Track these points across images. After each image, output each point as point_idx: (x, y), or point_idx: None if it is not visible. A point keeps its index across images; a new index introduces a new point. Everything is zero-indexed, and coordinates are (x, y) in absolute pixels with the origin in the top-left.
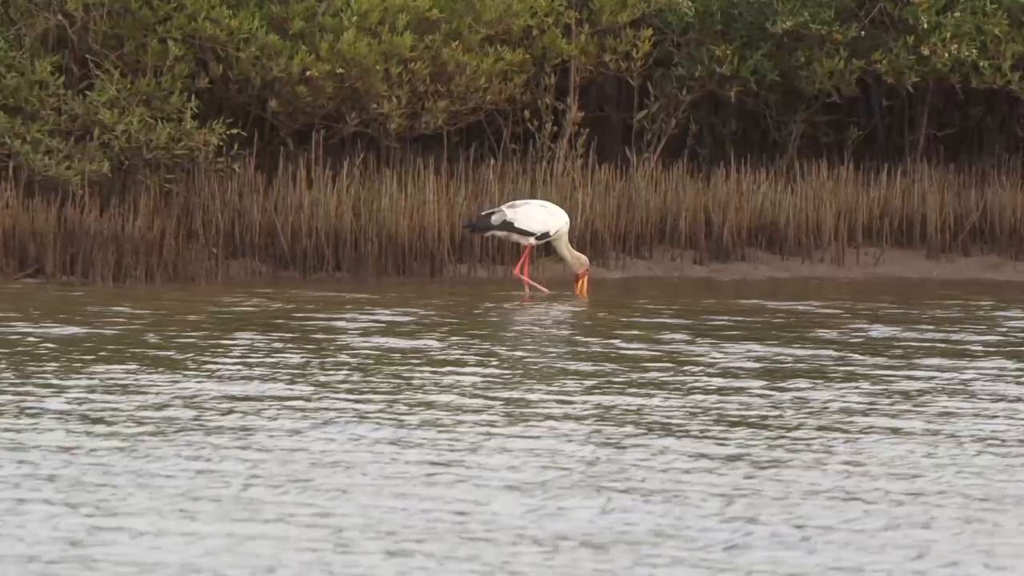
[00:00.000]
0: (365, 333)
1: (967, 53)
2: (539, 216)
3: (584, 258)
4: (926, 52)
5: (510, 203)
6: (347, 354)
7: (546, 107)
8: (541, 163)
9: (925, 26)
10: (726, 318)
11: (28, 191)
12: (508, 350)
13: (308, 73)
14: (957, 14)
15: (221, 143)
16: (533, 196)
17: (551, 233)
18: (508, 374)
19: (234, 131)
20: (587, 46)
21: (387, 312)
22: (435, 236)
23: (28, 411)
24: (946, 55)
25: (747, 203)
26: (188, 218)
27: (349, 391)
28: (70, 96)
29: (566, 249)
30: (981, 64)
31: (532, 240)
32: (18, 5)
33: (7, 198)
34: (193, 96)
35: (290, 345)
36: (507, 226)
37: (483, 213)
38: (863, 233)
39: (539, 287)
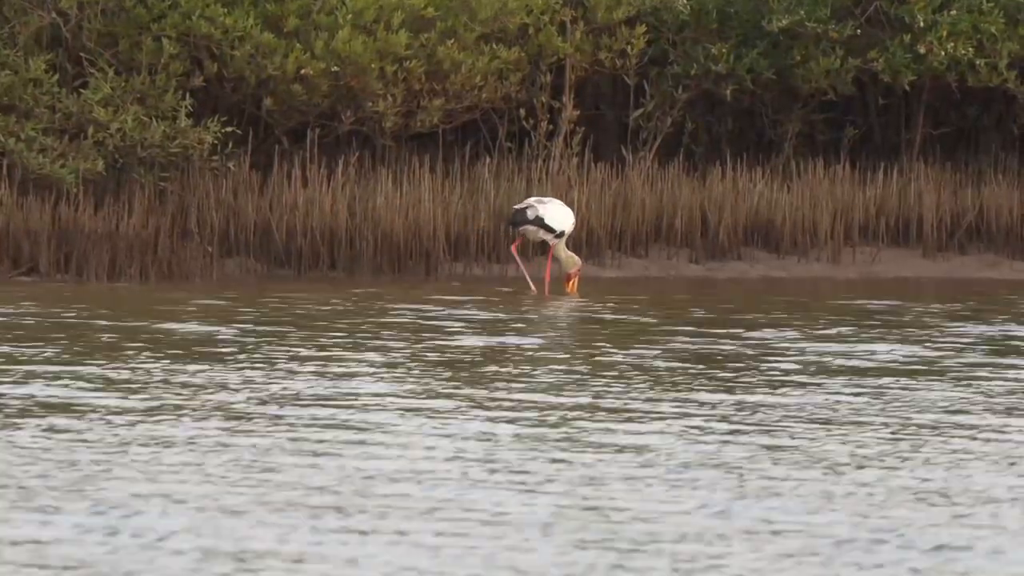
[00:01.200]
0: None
1: (963, 51)
2: (561, 215)
3: (577, 259)
4: (922, 51)
5: (537, 199)
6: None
7: (542, 105)
8: (537, 162)
9: (921, 24)
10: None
11: (22, 189)
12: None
13: (303, 71)
14: (953, 12)
15: (216, 141)
16: (529, 195)
17: (565, 232)
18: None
19: (229, 129)
20: (582, 44)
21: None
22: (430, 234)
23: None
24: (942, 53)
25: (743, 202)
26: (183, 217)
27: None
28: (64, 94)
29: (563, 249)
30: (977, 63)
31: (552, 238)
32: (12, 3)
33: (1, 196)
34: (188, 94)
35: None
36: (539, 221)
37: (516, 207)
38: (859, 232)
39: (530, 285)
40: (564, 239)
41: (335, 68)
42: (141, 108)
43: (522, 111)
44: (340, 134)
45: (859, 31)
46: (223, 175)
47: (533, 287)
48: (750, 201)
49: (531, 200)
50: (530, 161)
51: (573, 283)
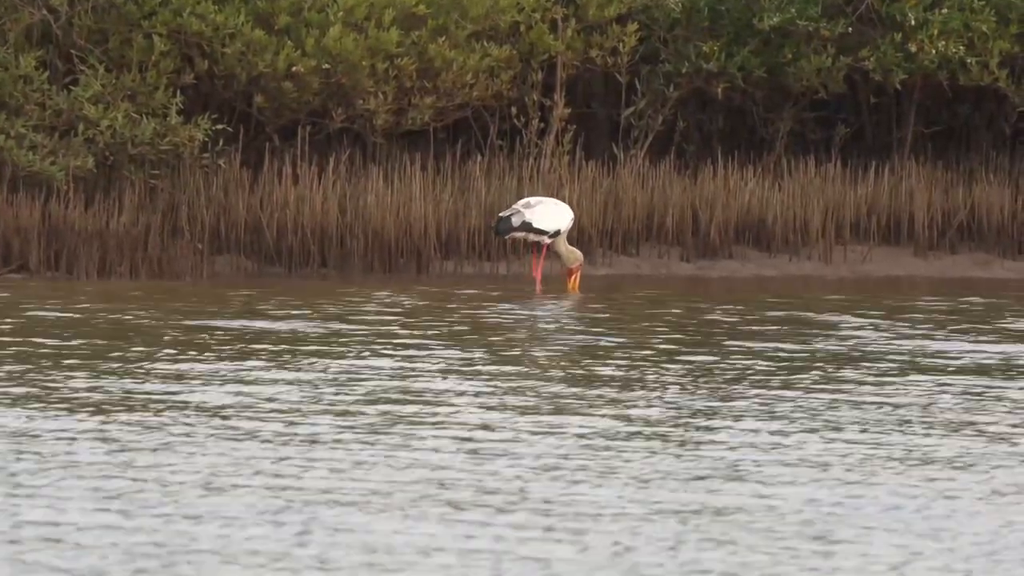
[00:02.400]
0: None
1: (954, 50)
2: (554, 214)
3: (579, 254)
4: (913, 49)
5: (524, 202)
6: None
7: (533, 103)
8: (528, 160)
9: (912, 23)
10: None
11: (12, 186)
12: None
13: (294, 69)
14: (944, 11)
15: (206, 139)
16: (520, 193)
17: (561, 231)
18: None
19: (219, 127)
20: (574, 42)
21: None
22: (421, 232)
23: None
24: (933, 52)
25: (734, 200)
26: (173, 214)
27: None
28: (55, 91)
29: (563, 245)
30: (968, 61)
31: (546, 239)
32: (2, 0)
33: None
34: (178, 92)
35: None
36: (526, 227)
37: (501, 215)
38: (851, 231)
39: (538, 284)
40: (564, 236)
41: (326, 66)
42: (131, 105)
43: (513, 109)
44: (331, 132)
45: (850, 29)
46: (214, 173)
47: (539, 288)
48: (741, 200)
49: (517, 205)
50: (521, 159)
51: (575, 280)
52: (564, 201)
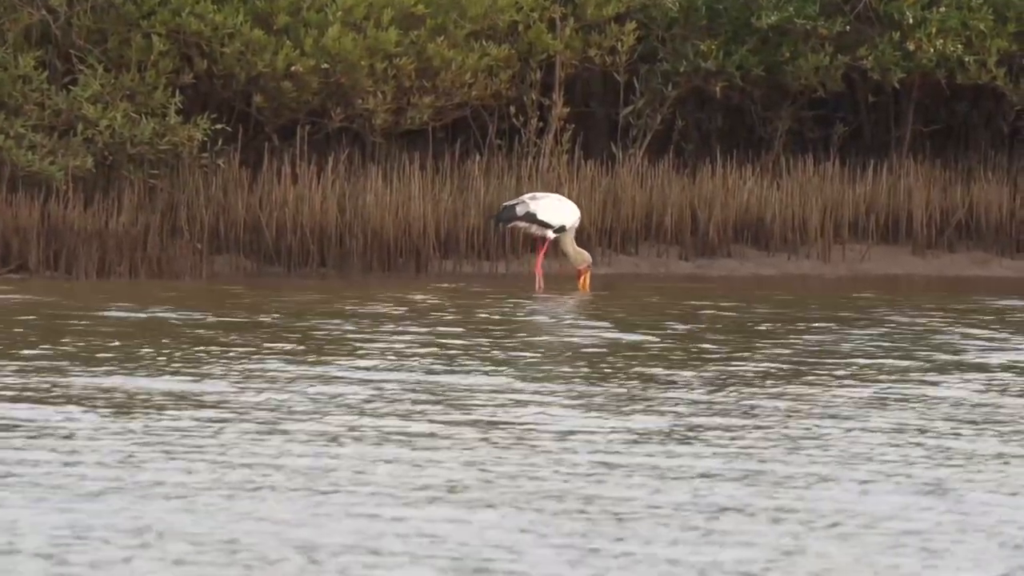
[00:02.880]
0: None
1: (952, 49)
2: (559, 209)
3: (587, 254)
4: (911, 48)
5: (531, 195)
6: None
7: (531, 103)
8: (527, 159)
9: (910, 21)
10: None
11: (11, 186)
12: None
13: (293, 68)
14: (942, 9)
15: (205, 138)
16: (519, 192)
17: (566, 227)
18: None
19: (218, 126)
20: (572, 41)
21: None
22: (420, 232)
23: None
24: (931, 51)
25: (733, 199)
26: (172, 214)
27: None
28: (54, 91)
29: (571, 245)
30: (966, 60)
31: (550, 232)
32: (1, 0)
33: None
34: (177, 91)
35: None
36: (530, 217)
37: (506, 204)
38: (849, 229)
39: (539, 280)
40: (570, 235)
41: (325, 65)
42: (131, 105)
43: (512, 108)
44: (330, 131)
45: (848, 28)
46: (213, 172)
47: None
48: (740, 198)
49: (524, 196)
50: (520, 158)
51: (584, 280)
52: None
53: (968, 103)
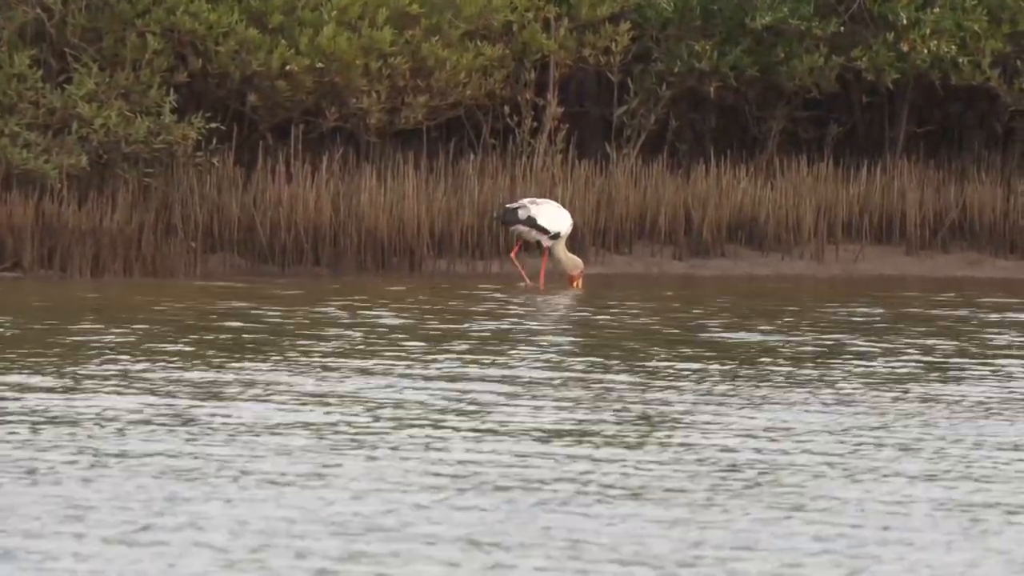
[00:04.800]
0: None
1: (947, 50)
2: (556, 216)
3: (578, 260)
4: (906, 48)
5: (531, 199)
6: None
7: (526, 102)
8: (521, 158)
9: (904, 22)
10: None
11: (6, 184)
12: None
13: (288, 68)
14: (937, 10)
15: (200, 137)
16: (513, 191)
17: (561, 234)
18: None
19: (213, 125)
20: (567, 41)
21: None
22: (414, 231)
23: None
24: (925, 51)
25: (727, 199)
26: (167, 212)
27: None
28: (48, 90)
29: (563, 251)
30: (961, 61)
31: (546, 239)
32: None
33: None
34: (172, 90)
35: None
36: (531, 222)
37: (508, 207)
38: (843, 230)
39: (524, 276)
40: (563, 242)
41: (320, 64)
42: (125, 104)
43: (506, 108)
44: (324, 130)
45: (843, 29)
46: (207, 171)
47: (528, 282)
48: (734, 198)
49: (525, 200)
50: (514, 158)
51: (576, 285)
52: (557, 200)
53: (962, 104)
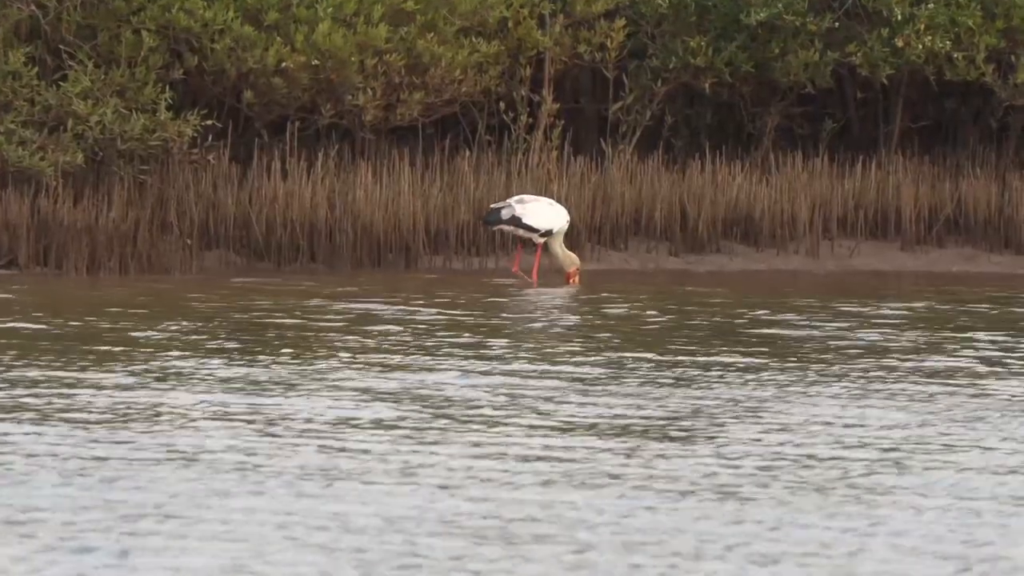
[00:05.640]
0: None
1: (941, 45)
2: (546, 213)
3: (575, 257)
4: (900, 44)
5: (518, 198)
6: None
7: (521, 99)
8: (516, 155)
9: (899, 18)
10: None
11: (1, 182)
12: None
13: (283, 64)
14: (931, 6)
15: (195, 134)
16: (508, 188)
17: (553, 231)
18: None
19: (208, 122)
20: (562, 37)
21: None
22: (410, 227)
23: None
24: (920, 47)
25: (722, 195)
26: (162, 209)
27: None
28: (43, 87)
29: (559, 247)
30: (955, 56)
31: (536, 237)
32: None
33: None
34: (167, 87)
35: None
36: (515, 221)
37: (492, 207)
38: (838, 225)
39: (527, 278)
40: (559, 238)
41: (315, 61)
42: (121, 101)
43: (502, 104)
44: (320, 127)
45: (837, 24)
46: (203, 168)
47: (523, 277)
48: (729, 194)
49: (511, 200)
50: (510, 154)
51: (573, 281)
52: (552, 196)
53: (956, 99)
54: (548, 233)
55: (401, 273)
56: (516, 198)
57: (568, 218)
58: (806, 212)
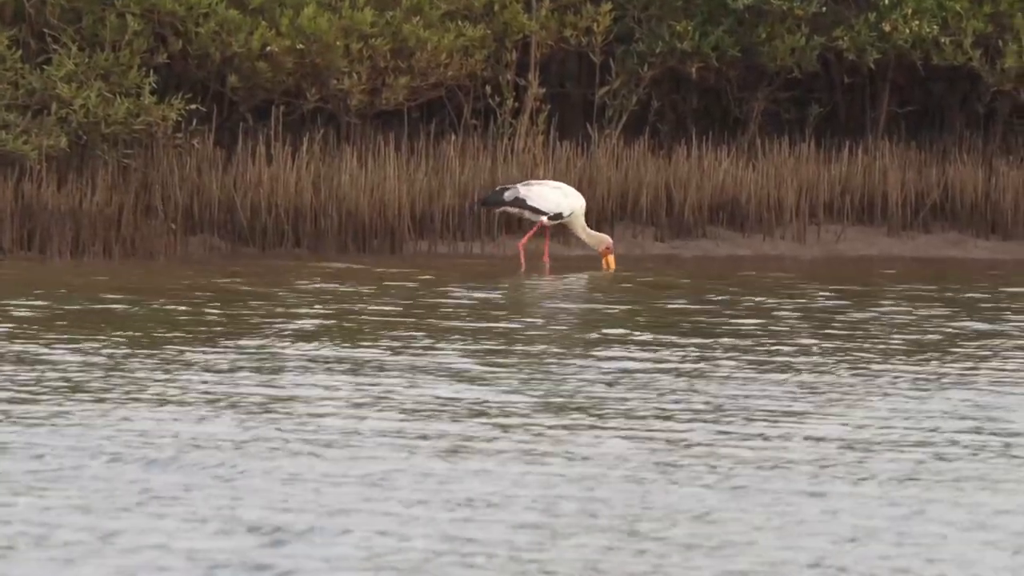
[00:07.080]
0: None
1: (928, 30)
2: (553, 197)
3: (603, 236)
4: (887, 29)
5: (525, 182)
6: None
7: (507, 83)
8: (502, 139)
9: (886, 2)
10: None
11: None
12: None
13: (268, 49)
14: None
15: (180, 118)
16: (494, 172)
17: (564, 215)
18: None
19: (193, 106)
20: (548, 21)
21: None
22: (395, 212)
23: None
24: (907, 32)
25: (708, 180)
26: (146, 194)
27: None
28: (27, 70)
29: (582, 230)
30: (942, 41)
31: (544, 219)
32: None
33: None
34: (152, 71)
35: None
36: (519, 203)
37: (497, 189)
38: (824, 210)
39: (522, 261)
40: (579, 220)
41: (300, 45)
42: (105, 85)
43: (487, 88)
44: (305, 112)
45: (824, 9)
46: (187, 152)
47: (523, 265)
48: (715, 179)
49: (518, 184)
50: (495, 139)
51: (607, 262)
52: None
53: (943, 84)
54: (558, 216)
55: (386, 257)
56: (523, 182)
57: (583, 202)
58: (792, 197)
